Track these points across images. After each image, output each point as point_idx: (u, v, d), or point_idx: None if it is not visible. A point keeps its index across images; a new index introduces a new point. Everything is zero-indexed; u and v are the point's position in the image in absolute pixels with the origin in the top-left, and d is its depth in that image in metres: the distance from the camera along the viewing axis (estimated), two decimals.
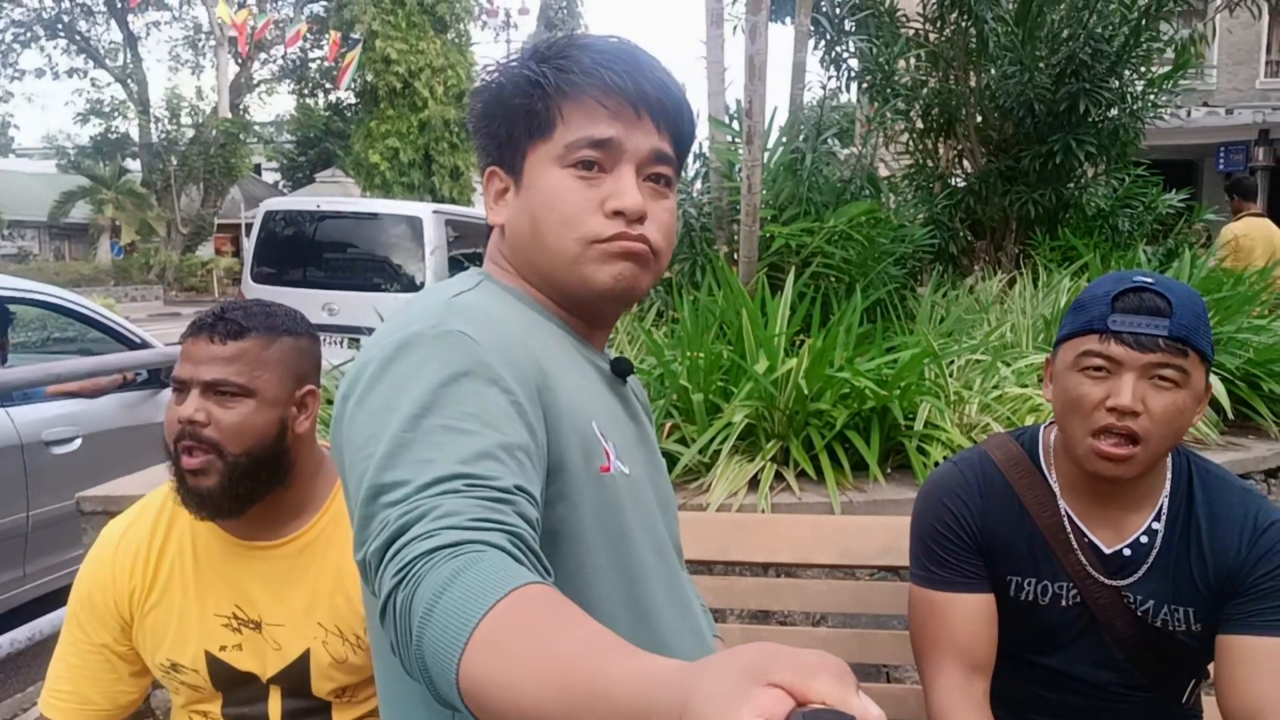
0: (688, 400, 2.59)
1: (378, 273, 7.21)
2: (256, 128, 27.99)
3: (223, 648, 1.32)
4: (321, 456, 1.39)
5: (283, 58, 28.08)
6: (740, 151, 3.63)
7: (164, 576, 1.33)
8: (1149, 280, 1.20)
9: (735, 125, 3.99)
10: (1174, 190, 5.57)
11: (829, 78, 5.37)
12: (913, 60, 5.44)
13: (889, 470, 2.48)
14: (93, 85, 27.31)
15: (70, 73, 27.82)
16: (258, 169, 32.37)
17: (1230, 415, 2.93)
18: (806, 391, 2.48)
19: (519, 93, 0.94)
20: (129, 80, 26.75)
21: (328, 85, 27.49)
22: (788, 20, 5.33)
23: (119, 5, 26.15)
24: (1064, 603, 1.30)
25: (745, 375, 2.58)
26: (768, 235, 3.64)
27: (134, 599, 1.33)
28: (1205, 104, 13.99)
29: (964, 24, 5.08)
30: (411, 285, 6.97)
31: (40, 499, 3.29)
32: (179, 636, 1.32)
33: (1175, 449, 1.28)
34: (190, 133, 26.75)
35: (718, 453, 2.44)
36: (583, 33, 1.00)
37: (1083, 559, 1.29)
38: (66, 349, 4.13)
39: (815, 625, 2.15)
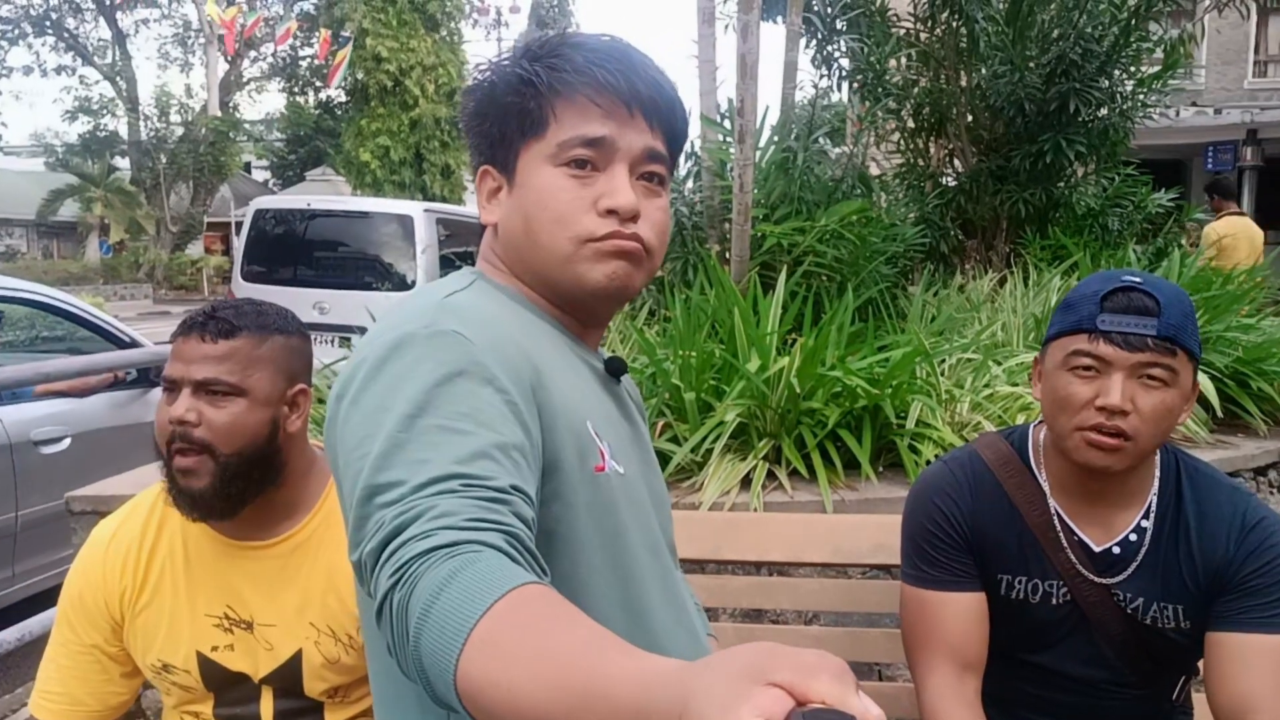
0: (680, 399, 2.59)
1: (369, 271, 7.19)
2: (246, 126, 27.87)
3: (214, 648, 1.31)
4: (313, 456, 1.39)
5: (273, 55, 28.00)
6: (732, 150, 3.64)
7: (155, 577, 1.32)
8: (1137, 280, 1.20)
9: (727, 124, 3.99)
10: (1163, 190, 5.60)
11: (820, 77, 5.40)
12: (904, 60, 5.46)
13: (881, 469, 2.49)
14: (81, 83, 27.17)
15: (58, 70, 27.65)
16: (248, 167, 32.27)
17: (1219, 414, 2.94)
18: (798, 390, 2.48)
19: (511, 91, 0.93)
20: (118, 78, 26.60)
21: (318, 83, 27.41)
22: (779, 19, 5.33)
23: (107, 2, 26.02)
24: (1054, 601, 1.31)
25: (737, 374, 2.58)
26: (759, 234, 3.65)
27: (125, 599, 1.32)
28: (1194, 104, 14.07)
29: (955, 24, 5.10)
30: (402, 284, 6.96)
31: (29, 499, 3.27)
32: (170, 637, 1.31)
33: (1163, 446, 1.29)
34: (180, 131, 26.61)
35: (710, 451, 2.44)
36: (575, 31, 1.00)
37: (1072, 557, 1.29)
38: (55, 348, 4.11)
39: (807, 624, 2.16)
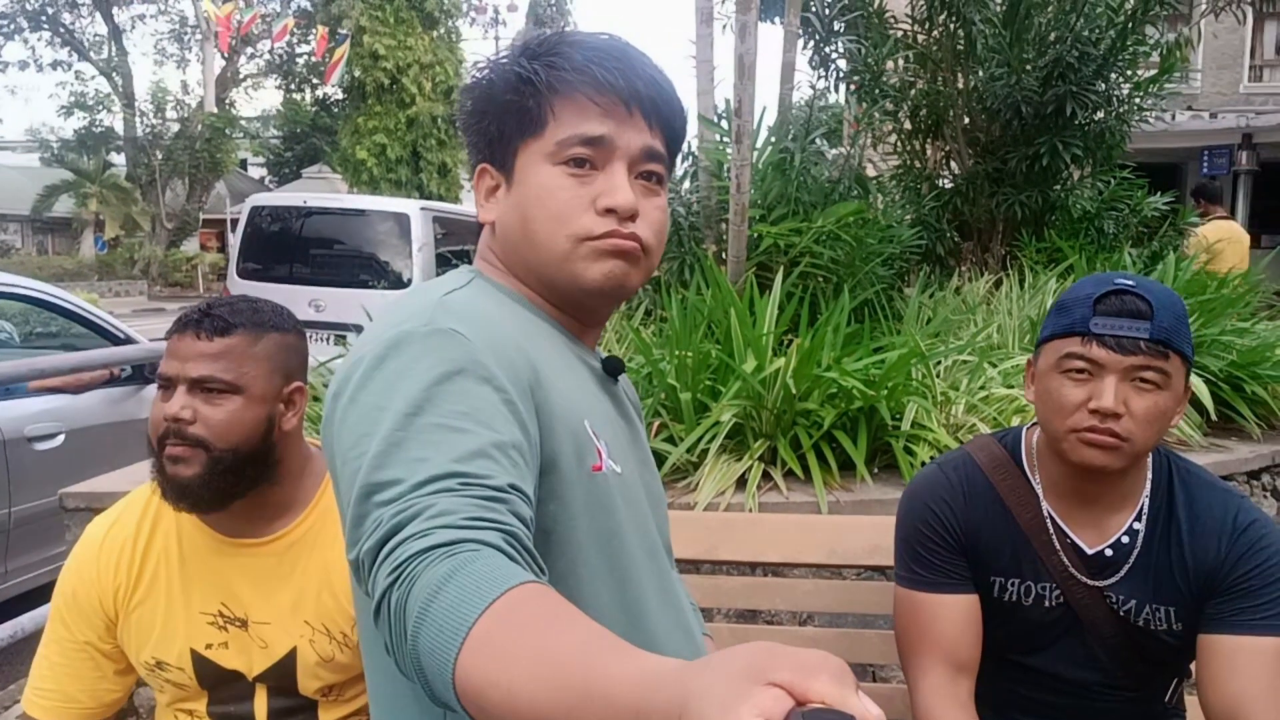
0: (676, 399, 2.59)
1: (365, 269, 7.18)
2: (243, 122, 27.80)
3: (208, 646, 1.31)
4: (308, 454, 1.38)
5: (269, 52, 27.93)
6: (729, 151, 3.64)
7: (149, 574, 1.32)
8: (1130, 283, 1.21)
9: (724, 124, 3.99)
10: (1159, 193, 5.61)
11: (818, 78, 5.38)
12: (901, 61, 5.45)
13: (876, 470, 2.49)
14: (77, 78, 27.08)
15: (54, 65, 27.56)
16: (244, 164, 32.19)
17: (1214, 417, 2.95)
18: (794, 391, 2.49)
19: (510, 90, 0.93)
20: (113, 73, 26.53)
21: (315, 80, 27.35)
22: (777, 20, 5.33)
23: None
24: (1047, 603, 1.31)
25: (733, 374, 2.58)
26: (756, 235, 3.65)
27: (119, 596, 1.32)
28: (1190, 108, 14.12)
29: (952, 26, 5.10)
30: (399, 282, 6.95)
31: (22, 495, 3.26)
32: (164, 634, 1.31)
33: (1156, 449, 1.29)
34: (175, 127, 26.54)
35: (705, 452, 2.44)
36: (573, 30, 1.00)
37: (1065, 559, 1.30)
38: (49, 344, 4.09)
39: (802, 625, 2.16)
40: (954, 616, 1.31)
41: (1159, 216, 5.52)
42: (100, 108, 26.65)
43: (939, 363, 3.06)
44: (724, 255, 3.65)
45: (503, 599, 0.60)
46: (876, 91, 5.23)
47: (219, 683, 1.32)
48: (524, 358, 0.85)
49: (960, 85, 5.28)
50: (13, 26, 26.11)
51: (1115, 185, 5.44)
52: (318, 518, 1.34)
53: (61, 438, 3.41)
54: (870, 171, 5.56)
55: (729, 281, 3.29)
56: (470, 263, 1.03)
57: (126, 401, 3.72)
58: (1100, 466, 1.22)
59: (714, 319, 3.04)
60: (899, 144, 5.67)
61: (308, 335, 1.41)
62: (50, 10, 26.35)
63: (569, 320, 1.00)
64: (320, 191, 16.89)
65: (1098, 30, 4.90)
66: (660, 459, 2.42)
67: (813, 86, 5.23)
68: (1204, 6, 6.42)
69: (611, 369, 1.05)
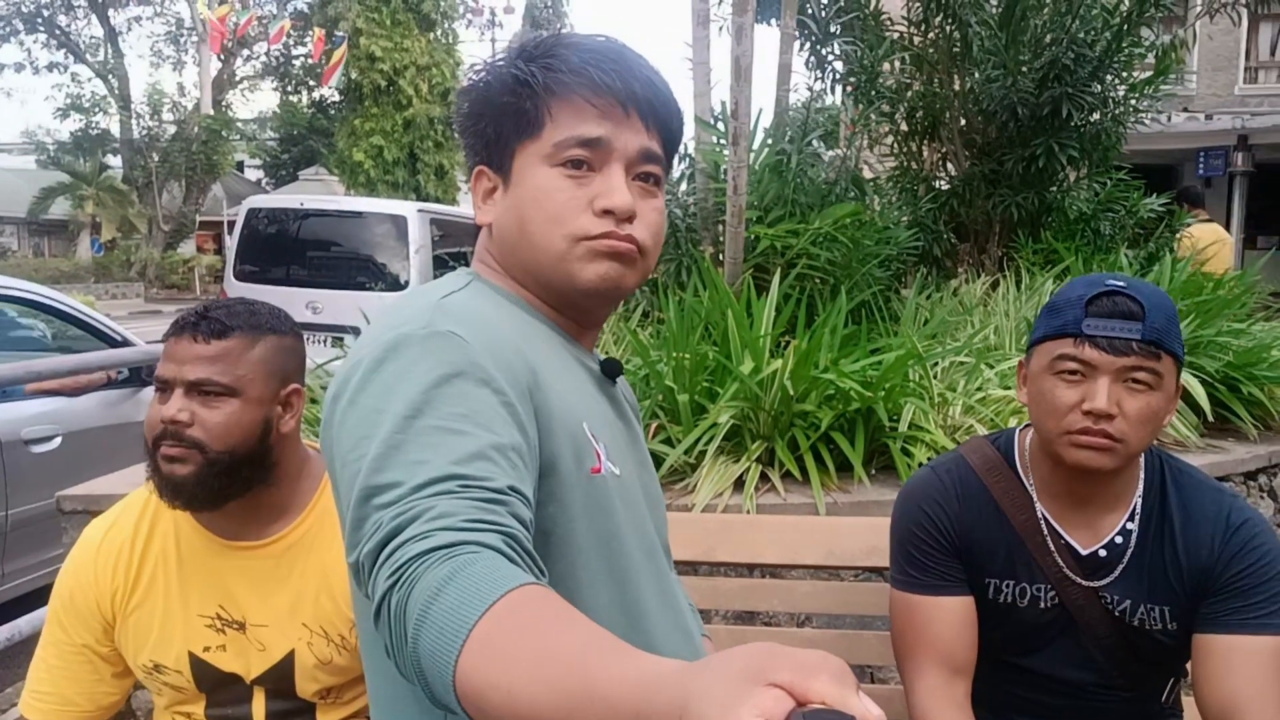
0: (673, 401, 2.59)
1: (362, 271, 7.18)
2: (239, 125, 27.79)
3: (206, 648, 1.31)
4: (306, 456, 1.38)
5: (265, 54, 27.92)
6: (726, 153, 3.64)
7: (147, 577, 1.32)
8: (1121, 284, 1.21)
9: (721, 126, 3.99)
10: (1155, 195, 5.62)
11: (814, 80, 5.38)
12: (897, 63, 5.46)
13: (873, 471, 2.49)
14: (73, 80, 27.10)
15: (50, 67, 27.55)
16: (240, 166, 32.17)
17: (1210, 418, 2.96)
18: (792, 392, 2.49)
19: (507, 92, 0.93)
20: (110, 75, 26.52)
21: (311, 82, 27.34)
22: (773, 22, 5.34)
23: (99, 0, 25.92)
24: (1042, 604, 1.31)
25: (731, 376, 2.58)
26: (753, 236, 3.65)
27: (116, 599, 1.32)
28: (1185, 109, 14.15)
29: (948, 28, 5.10)
30: (396, 284, 6.95)
31: (19, 498, 3.26)
32: (162, 637, 1.31)
33: (1148, 449, 1.30)
34: (172, 129, 26.54)
35: (703, 453, 2.44)
36: (569, 32, 1.00)
37: (1060, 560, 1.30)
38: (46, 346, 4.09)
39: (800, 626, 2.16)
40: (949, 619, 1.31)
41: (1155, 218, 5.53)
42: (96, 110, 26.66)
43: (936, 364, 3.06)
44: (721, 257, 3.65)
45: (503, 601, 0.60)
46: (873, 93, 5.23)
47: (217, 685, 1.32)
48: (522, 360, 0.85)
49: (956, 87, 5.29)
50: (8, 29, 26.07)
51: (1111, 187, 5.45)
52: (315, 520, 1.34)
53: (58, 440, 3.40)
54: (867, 173, 5.57)
55: (726, 283, 3.29)
56: (468, 265, 1.03)
57: (123, 404, 3.71)
58: (1094, 468, 1.22)
59: (711, 320, 3.04)
60: (895, 146, 5.67)
61: (305, 337, 1.41)
62: (46, 12, 26.32)
63: (567, 322, 1.00)
64: (317, 193, 16.88)
65: (1093, 32, 4.91)
66: (658, 460, 2.42)
67: (809, 88, 5.24)
68: (1199, 8, 6.43)
69: (610, 371, 1.05)
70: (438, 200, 20.19)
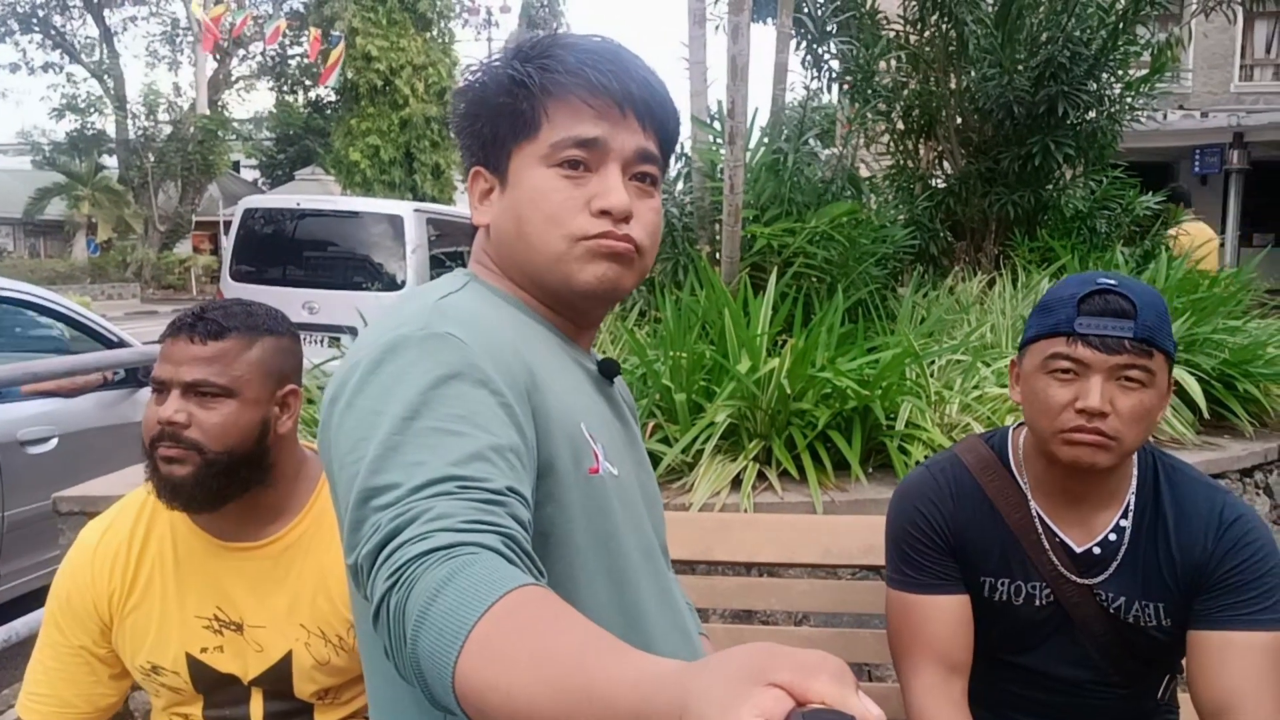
0: (670, 400, 2.59)
1: (358, 271, 7.17)
2: (235, 125, 27.74)
3: (204, 649, 1.31)
4: (303, 457, 1.38)
5: (261, 54, 27.87)
6: (722, 152, 3.64)
7: (144, 578, 1.32)
8: (1112, 282, 1.21)
9: (717, 125, 3.99)
10: (1151, 192, 5.63)
11: (810, 78, 5.38)
12: (893, 62, 5.46)
13: (870, 470, 2.50)
14: (68, 80, 27.03)
15: (45, 68, 27.49)
16: (236, 166, 32.11)
17: (1206, 415, 2.96)
18: (789, 391, 2.49)
19: (503, 92, 0.93)
20: (105, 76, 26.46)
21: (307, 82, 27.30)
22: (769, 21, 5.34)
23: (95, 0, 25.87)
24: (1037, 602, 1.32)
25: (728, 375, 2.58)
26: (750, 235, 3.65)
27: (113, 601, 1.32)
28: (1181, 107, 14.16)
29: (944, 26, 5.11)
30: (392, 284, 6.94)
31: (15, 499, 3.25)
32: (159, 638, 1.31)
33: (1141, 446, 1.30)
34: (168, 129, 26.48)
35: (700, 452, 2.45)
36: (566, 32, 1.00)
37: (1054, 558, 1.30)
38: (43, 347, 4.08)
39: (797, 625, 2.16)
40: (945, 617, 1.32)
41: (1151, 216, 5.54)
42: (92, 110, 26.59)
43: (933, 362, 3.06)
44: (718, 256, 3.65)
45: (502, 602, 0.60)
46: (869, 92, 5.23)
47: (214, 686, 1.32)
48: (520, 361, 0.85)
49: (953, 85, 5.29)
50: (3, 29, 26.01)
51: (1107, 185, 5.46)
52: (313, 521, 1.34)
53: (55, 441, 3.40)
54: (863, 172, 5.57)
55: (723, 282, 3.29)
56: (464, 265, 1.03)
57: (120, 405, 3.71)
58: (1089, 466, 1.22)
59: (708, 320, 3.04)
60: (892, 144, 5.68)
61: (302, 338, 1.41)
62: (41, 12, 26.26)
63: (564, 322, 1.00)
64: (313, 193, 16.89)
65: (1089, 30, 4.91)
66: (655, 460, 2.42)
67: (806, 87, 5.25)
68: (1195, 6, 6.44)
69: (607, 371, 1.05)
70: (434, 200, 20.17)
